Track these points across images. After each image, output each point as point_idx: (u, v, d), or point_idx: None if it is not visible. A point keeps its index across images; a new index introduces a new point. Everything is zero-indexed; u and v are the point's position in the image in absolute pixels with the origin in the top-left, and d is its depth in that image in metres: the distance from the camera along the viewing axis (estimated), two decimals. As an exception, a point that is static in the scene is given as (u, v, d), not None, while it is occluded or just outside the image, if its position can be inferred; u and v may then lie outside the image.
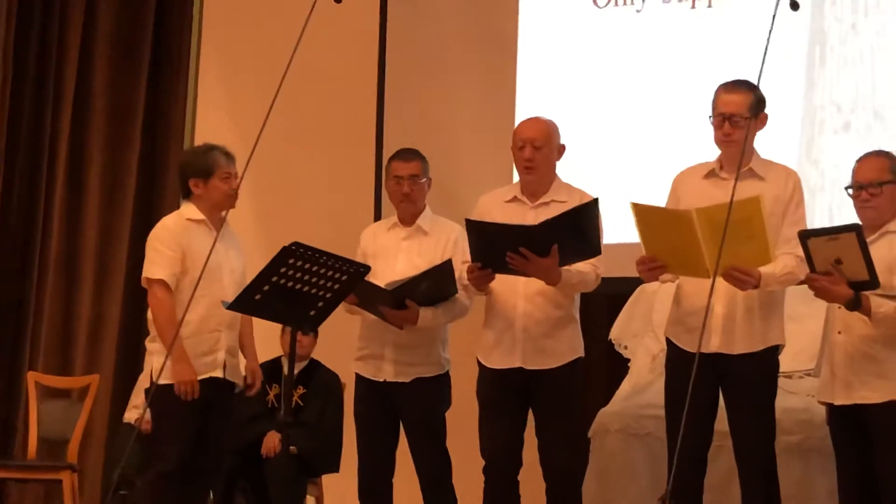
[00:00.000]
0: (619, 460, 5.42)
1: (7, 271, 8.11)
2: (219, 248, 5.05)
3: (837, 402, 4.60)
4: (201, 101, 8.31)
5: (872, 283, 4.40)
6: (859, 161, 4.77)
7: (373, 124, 7.73)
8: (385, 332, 5.19)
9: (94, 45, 8.40)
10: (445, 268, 4.96)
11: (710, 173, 4.86)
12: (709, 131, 4.84)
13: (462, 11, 7.67)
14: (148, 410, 5.41)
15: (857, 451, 4.55)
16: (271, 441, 6.27)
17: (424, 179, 5.33)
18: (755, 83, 4.56)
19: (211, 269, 5.01)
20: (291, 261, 4.56)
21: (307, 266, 4.59)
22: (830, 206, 6.58)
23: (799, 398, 5.17)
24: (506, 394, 4.96)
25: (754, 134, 4.83)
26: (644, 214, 4.64)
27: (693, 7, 7.01)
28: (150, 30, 8.43)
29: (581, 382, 5.03)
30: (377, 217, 7.54)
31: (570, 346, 4.96)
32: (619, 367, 6.13)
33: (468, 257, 4.94)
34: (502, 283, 4.91)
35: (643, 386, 5.61)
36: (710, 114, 4.83)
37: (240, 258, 5.31)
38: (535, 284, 4.91)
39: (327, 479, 6.66)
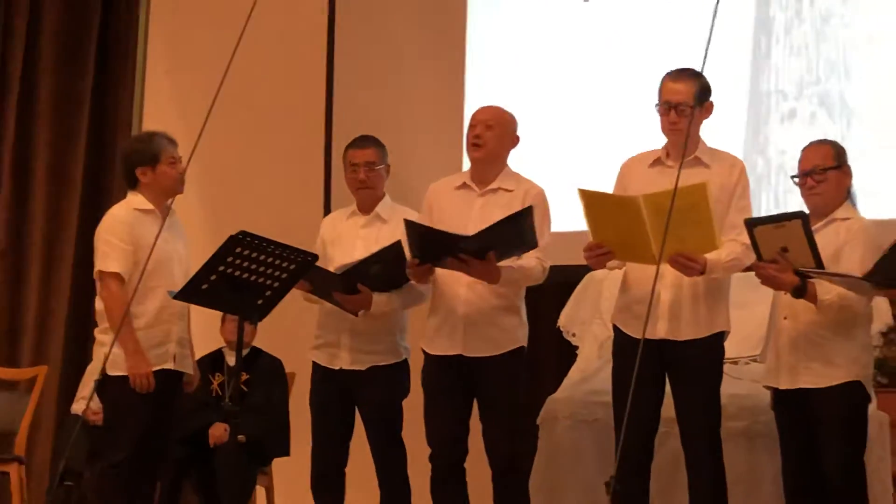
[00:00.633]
0: (567, 447, 5.43)
1: (-46, 263, 8.04)
2: (166, 237, 5.01)
3: (782, 387, 4.63)
4: (148, 91, 8.26)
5: (819, 270, 4.42)
6: (805, 149, 4.80)
7: (322, 112, 7.70)
8: (341, 320, 5.17)
9: (40, 35, 8.33)
10: (395, 250, 4.93)
11: (657, 161, 4.88)
12: (657, 119, 4.85)
13: (411, -1, 7.67)
14: (96, 401, 5.37)
15: (801, 435, 4.58)
16: (218, 431, 6.25)
17: (381, 166, 5.31)
18: (699, 71, 4.58)
19: (161, 260, 4.98)
20: (238, 250, 4.53)
21: (254, 255, 4.56)
22: (776, 194, 6.63)
23: (744, 384, 5.20)
24: (449, 381, 4.96)
25: (700, 122, 4.85)
26: (591, 201, 4.65)
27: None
28: (96, 19, 8.35)
29: (524, 371, 5.02)
30: (326, 206, 7.52)
31: (511, 335, 4.96)
32: (568, 354, 6.14)
33: None
34: (445, 272, 4.91)
35: (591, 373, 5.62)
36: (657, 102, 4.84)
37: (186, 247, 5.28)
38: None
39: (277, 469, 6.63)
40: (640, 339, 4.09)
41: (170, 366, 5.12)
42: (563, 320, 6.08)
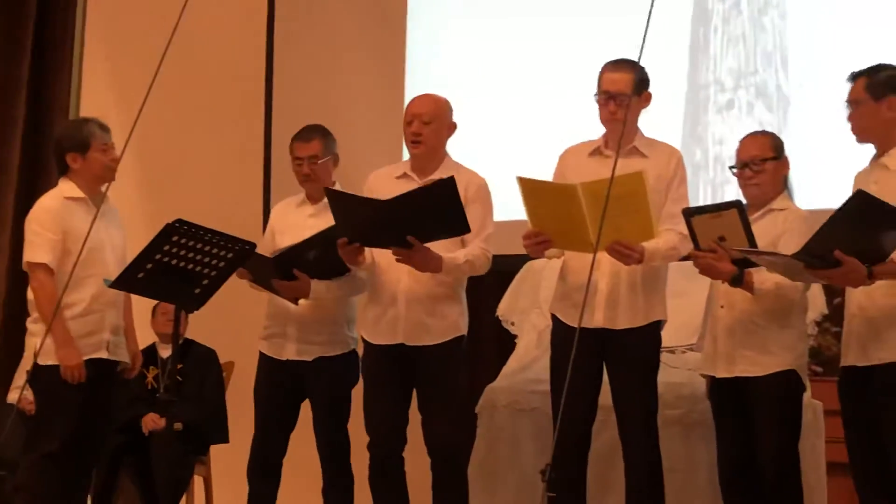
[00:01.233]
0: (506, 435, 5.43)
1: None
2: (100, 225, 4.95)
3: (719, 375, 4.65)
4: (86, 77, 8.17)
5: (752, 260, 4.43)
6: (743, 139, 4.82)
7: (262, 100, 7.66)
8: (288, 310, 5.15)
9: (-24, 19, 8.21)
10: (329, 234, 4.87)
11: (595, 151, 4.89)
12: (597, 109, 4.85)
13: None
14: (30, 391, 5.31)
15: (737, 423, 4.60)
16: (150, 419, 6.21)
17: (327, 157, 5.26)
18: (638, 62, 4.58)
19: (94, 249, 4.92)
20: (175, 238, 4.49)
21: (191, 243, 4.52)
22: (714, 184, 6.67)
23: (681, 372, 5.22)
24: (389, 370, 4.93)
25: (637, 112, 4.86)
26: (530, 188, 4.64)
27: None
28: (34, 4, 8.24)
29: (464, 359, 5.02)
30: (266, 194, 7.49)
31: (452, 324, 4.94)
32: (507, 343, 6.14)
33: None
34: (386, 259, 4.87)
35: (529, 361, 5.63)
36: (596, 92, 4.84)
37: (121, 235, 5.21)
38: None
39: (215, 458, 6.59)
40: (577, 327, 4.11)
41: (104, 355, 5.07)
42: (502, 310, 6.08)
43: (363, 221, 4.72)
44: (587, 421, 4.76)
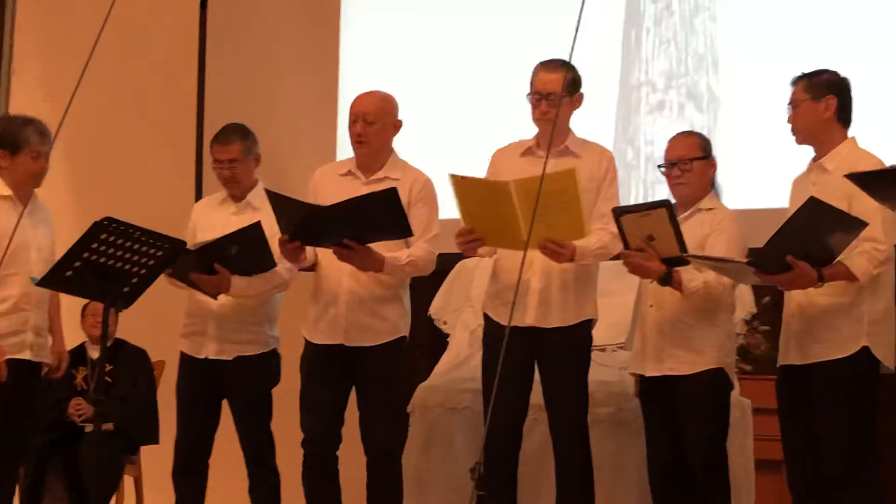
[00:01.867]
0: (438, 434, 5.44)
1: None
2: (25, 224, 4.90)
3: (648, 374, 4.69)
4: (16, 71, 8.07)
5: (683, 258, 4.48)
6: (670, 140, 4.87)
7: (193, 97, 7.61)
8: (208, 308, 5.12)
9: None
10: (254, 230, 4.86)
11: (528, 151, 4.91)
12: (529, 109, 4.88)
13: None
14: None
15: (665, 421, 4.65)
16: (74, 405, 6.18)
17: (249, 157, 5.23)
18: (570, 63, 4.61)
19: (18, 248, 4.86)
20: (104, 236, 4.45)
21: (120, 241, 4.48)
22: (646, 184, 6.72)
23: (611, 371, 5.26)
24: (328, 369, 4.92)
25: (569, 113, 4.89)
26: (463, 186, 4.65)
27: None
28: (-39, -2, 8.16)
29: (405, 360, 5.02)
30: (198, 191, 7.43)
31: (392, 325, 4.94)
32: (440, 342, 6.15)
33: None
34: (329, 259, 4.86)
35: (462, 360, 5.64)
36: (528, 92, 4.86)
37: (49, 234, 5.16)
38: None
39: (146, 458, 6.54)
40: (510, 327, 4.13)
41: (26, 355, 5.02)
42: (435, 308, 6.08)
43: (303, 222, 4.71)
44: (518, 419, 4.79)
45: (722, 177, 4.86)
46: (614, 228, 4.59)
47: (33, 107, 5.66)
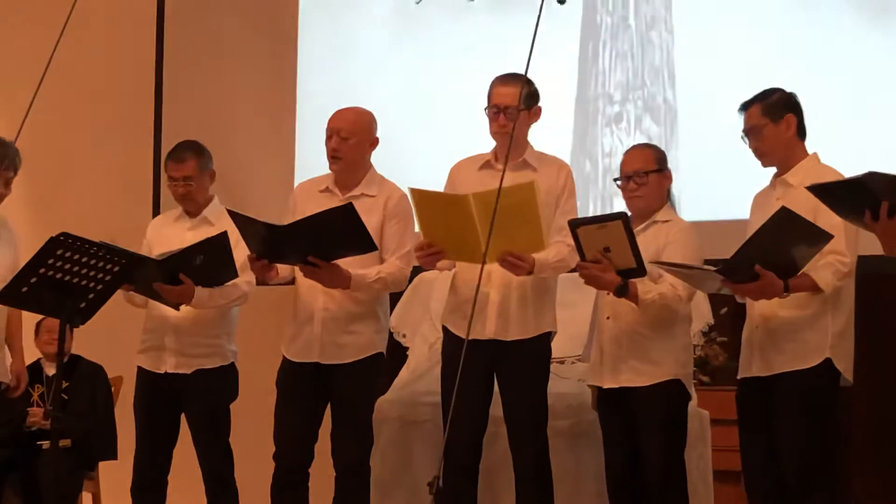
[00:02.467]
0: (397, 448, 5.43)
1: None
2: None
3: (606, 386, 4.71)
4: (-30, 87, 8.03)
5: (639, 270, 4.51)
6: (627, 152, 4.90)
7: (151, 112, 7.60)
8: (165, 322, 5.12)
9: None
10: (219, 241, 4.86)
11: (486, 164, 4.93)
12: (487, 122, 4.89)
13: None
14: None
15: (623, 433, 4.66)
16: (32, 415, 6.15)
17: (204, 174, 5.22)
18: (528, 77, 4.63)
19: None
20: (60, 251, 4.43)
21: (77, 257, 4.46)
22: (604, 196, 6.75)
23: (570, 383, 5.27)
24: (302, 386, 4.92)
25: (527, 126, 4.92)
26: (423, 199, 4.68)
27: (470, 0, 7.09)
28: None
29: (380, 377, 5.05)
30: (156, 206, 7.42)
31: (367, 342, 4.93)
32: (399, 355, 6.15)
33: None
34: (306, 280, 4.85)
35: (421, 373, 5.64)
36: (486, 106, 4.89)
37: (10, 251, 5.13)
38: None
39: (104, 474, 6.52)
40: (470, 340, 4.14)
41: None
42: (394, 321, 6.06)
43: (265, 240, 4.72)
44: (478, 432, 4.80)
45: (678, 189, 4.91)
46: (572, 241, 4.60)
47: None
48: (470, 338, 4.33)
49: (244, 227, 4.75)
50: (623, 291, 4.54)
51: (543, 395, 4.83)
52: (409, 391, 5.59)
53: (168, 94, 7.60)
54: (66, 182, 7.79)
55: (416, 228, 4.91)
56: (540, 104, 4.91)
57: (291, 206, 5.04)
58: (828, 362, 4.38)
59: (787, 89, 4.59)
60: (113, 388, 6.63)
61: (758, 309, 4.49)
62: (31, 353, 6.32)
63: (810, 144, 4.59)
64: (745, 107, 4.56)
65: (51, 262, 4.44)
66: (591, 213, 6.29)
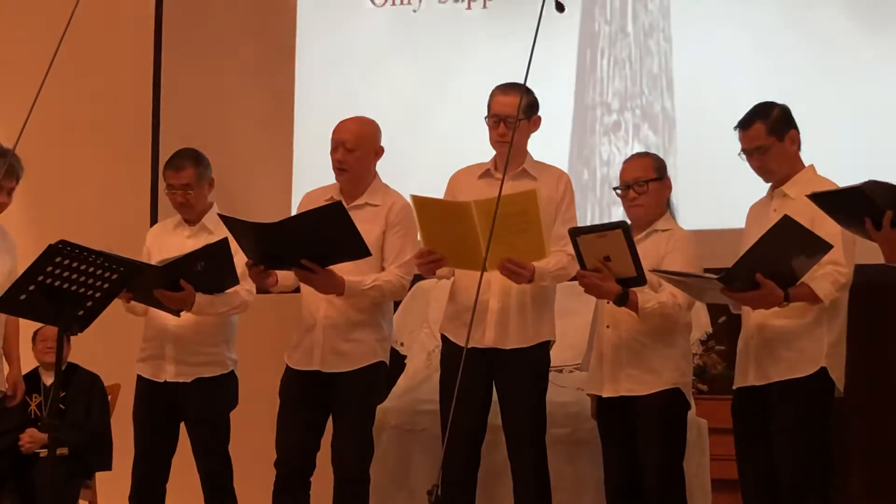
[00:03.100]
0: (395, 456, 5.41)
1: None
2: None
3: (604, 395, 4.70)
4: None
5: (639, 279, 4.51)
6: (626, 161, 4.90)
7: (149, 119, 7.59)
8: (165, 330, 5.12)
9: None
10: (220, 247, 4.85)
11: (486, 173, 4.94)
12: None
13: (239, 5, 7.61)
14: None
15: (622, 442, 4.66)
16: (27, 436, 6.13)
17: (202, 182, 5.21)
18: (527, 86, 4.63)
19: None
20: (58, 259, 4.42)
21: (75, 265, 4.45)
22: (602, 205, 6.75)
23: (569, 392, 5.27)
24: (304, 394, 4.92)
25: (527, 136, 4.93)
26: (424, 207, 4.69)
27: (469, 8, 7.09)
28: None
29: (382, 386, 5.05)
30: (153, 214, 7.41)
31: (368, 350, 4.92)
32: (396, 363, 6.14)
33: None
34: (309, 288, 4.85)
35: (419, 382, 5.63)
36: (486, 115, 4.89)
37: (8, 259, 5.12)
38: None
39: (101, 482, 6.50)
40: (468, 348, 4.14)
41: None
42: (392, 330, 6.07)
43: (259, 244, 4.71)
44: (476, 441, 4.80)
45: (677, 197, 4.89)
46: (572, 250, 4.60)
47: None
48: (469, 346, 4.34)
49: (237, 231, 4.74)
50: (623, 300, 4.54)
51: (542, 403, 4.82)
52: (407, 399, 5.58)
53: (165, 101, 7.58)
54: (63, 189, 7.77)
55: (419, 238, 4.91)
56: (539, 113, 4.91)
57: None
58: (823, 371, 4.39)
59: (780, 101, 4.58)
60: (110, 396, 6.61)
61: (753, 318, 4.49)
62: (28, 362, 6.32)
63: (809, 154, 4.60)
64: (746, 125, 4.53)
65: (49, 269, 4.42)
66: (588, 222, 6.28)
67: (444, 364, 4.90)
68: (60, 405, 6.20)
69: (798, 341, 4.40)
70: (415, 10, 7.20)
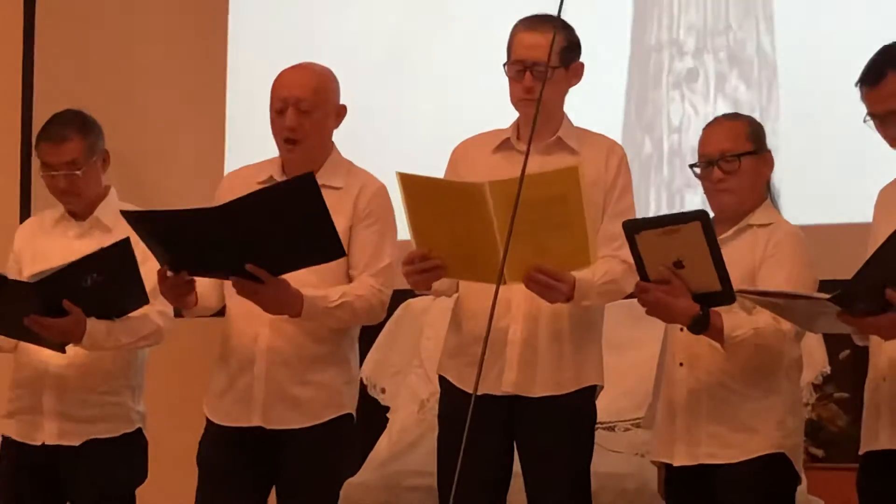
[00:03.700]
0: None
1: None
2: None
3: (677, 463, 4.70)
4: None
5: (725, 294, 4.48)
6: (708, 127, 4.88)
7: (17, 87, 7.68)
8: (43, 373, 5.15)
9: None
10: (119, 252, 4.87)
11: (504, 144, 4.95)
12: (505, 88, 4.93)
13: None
14: None
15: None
16: None
17: (93, 157, 5.25)
18: (564, 20, 4.65)
19: None
20: None
21: None
22: (671, 188, 6.77)
23: (624, 458, 5.31)
24: (235, 462, 4.94)
25: (564, 91, 4.96)
26: (415, 189, 4.67)
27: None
28: None
29: (350, 449, 5.08)
30: (25, 209, 7.46)
31: (332, 397, 4.95)
32: (377, 417, 6.18)
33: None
34: (241, 304, 4.83)
35: (407, 445, 5.68)
36: (505, 62, 4.91)
37: None
38: None
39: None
40: (479, 395, 4.16)
41: None
42: (368, 369, 6.11)
43: (185, 241, 4.67)
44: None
45: (779, 179, 4.91)
46: (628, 255, 4.59)
47: None
48: (480, 392, 4.36)
49: (145, 230, 4.71)
50: (702, 325, 4.53)
51: (585, 475, 4.85)
52: (390, 471, 5.63)
53: (41, 57, 7.67)
54: None
55: (403, 235, 4.93)
56: (582, 59, 4.94)
57: (217, 201, 5.01)
58: None
59: None
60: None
61: (886, 353, 4.50)
62: None
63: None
64: (875, 78, 4.53)
65: None
66: (652, 214, 6.31)
67: (445, 419, 4.93)
68: None
69: None
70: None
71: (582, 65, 4.94)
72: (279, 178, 4.97)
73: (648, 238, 4.51)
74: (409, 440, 5.72)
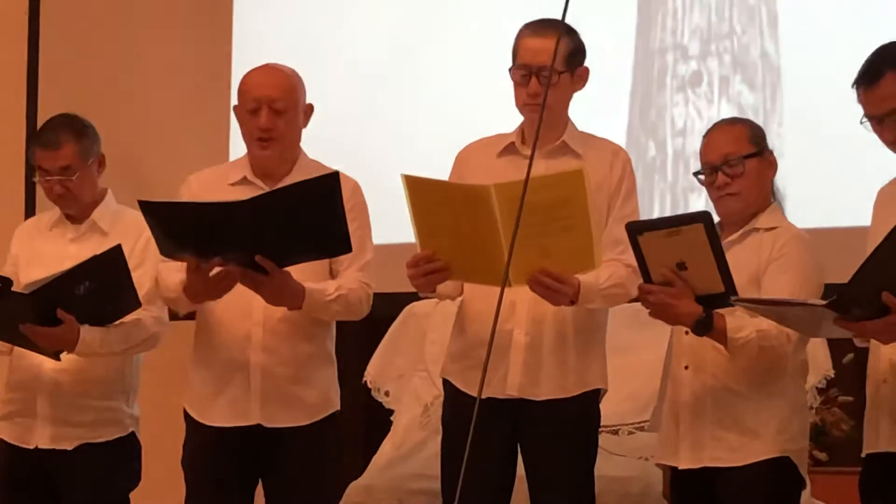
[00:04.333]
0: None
1: None
2: None
3: (682, 466, 4.70)
4: None
5: (729, 296, 4.47)
6: (708, 134, 4.87)
7: (22, 88, 7.68)
8: (38, 378, 5.17)
9: None
10: (110, 259, 4.89)
11: (508, 148, 4.95)
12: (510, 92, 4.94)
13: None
14: None
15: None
16: None
17: (88, 161, 5.26)
18: (570, 25, 4.65)
19: None
20: None
21: None
22: (674, 191, 6.76)
23: (628, 462, 5.30)
24: (230, 465, 4.96)
25: (569, 96, 4.96)
26: (420, 192, 4.68)
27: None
28: None
29: (336, 446, 5.07)
30: (30, 210, 7.46)
31: (323, 395, 4.98)
32: (380, 420, 6.18)
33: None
34: (230, 305, 4.86)
35: (411, 449, 5.67)
36: (511, 66, 4.91)
37: None
38: (279, 308, 4.89)
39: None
40: (483, 399, 4.15)
41: None
42: (372, 373, 6.11)
43: (197, 235, 4.67)
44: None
45: (782, 182, 4.90)
46: (632, 259, 4.60)
47: None
48: (485, 396, 4.37)
49: (160, 222, 4.70)
50: (706, 328, 4.54)
51: (588, 478, 4.85)
52: (394, 474, 5.63)
53: (46, 53, 7.67)
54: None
55: (406, 238, 4.93)
56: (587, 63, 4.94)
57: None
58: None
59: None
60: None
61: (886, 355, 4.49)
62: None
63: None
64: (873, 78, 4.51)
65: None
66: (657, 216, 6.31)
67: (449, 423, 4.93)
68: None
69: None
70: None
71: (587, 69, 4.94)
72: (252, 178, 5.01)
73: (651, 240, 4.52)
74: (412, 443, 5.72)
